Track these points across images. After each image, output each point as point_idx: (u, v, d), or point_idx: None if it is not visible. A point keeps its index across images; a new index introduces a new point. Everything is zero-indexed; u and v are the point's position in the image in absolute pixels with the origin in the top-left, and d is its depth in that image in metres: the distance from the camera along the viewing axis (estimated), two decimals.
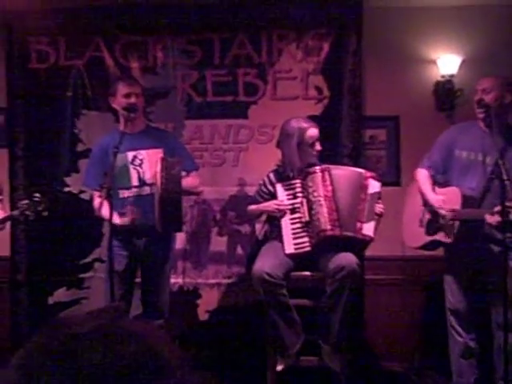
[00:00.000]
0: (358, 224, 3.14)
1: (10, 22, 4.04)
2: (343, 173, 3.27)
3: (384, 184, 3.67)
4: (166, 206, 3.00)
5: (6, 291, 4.06)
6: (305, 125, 3.27)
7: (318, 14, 3.81)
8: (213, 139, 3.95)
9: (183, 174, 3.21)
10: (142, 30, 3.95)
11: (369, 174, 3.27)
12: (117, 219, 3.09)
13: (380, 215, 3.22)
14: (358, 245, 3.21)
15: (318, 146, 3.28)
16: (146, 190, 3.23)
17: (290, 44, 3.86)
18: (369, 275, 3.76)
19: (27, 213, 3.02)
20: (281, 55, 3.87)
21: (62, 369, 0.68)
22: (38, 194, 3.04)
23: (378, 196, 3.23)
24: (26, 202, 3.04)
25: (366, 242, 3.20)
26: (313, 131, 3.27)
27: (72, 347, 0.70)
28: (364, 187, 3.20)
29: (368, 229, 3.15)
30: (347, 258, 3.09)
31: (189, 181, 3.30)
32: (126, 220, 3.12)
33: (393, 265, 3.84)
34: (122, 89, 3.23)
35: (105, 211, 2.97)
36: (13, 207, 3.39)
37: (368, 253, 3.63)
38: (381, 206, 3.22)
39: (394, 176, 3.88)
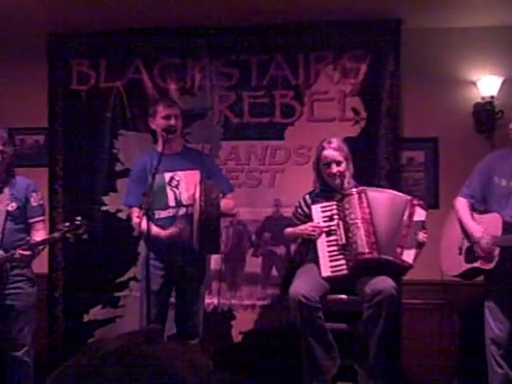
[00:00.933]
0: (399, 249, 3.09)
1: (52, 44, 4.16)
2: (384, 196, 3.22)
3: None
4: (204, 229, 3.00)
5: (43, 308, 4.11)
6: (325, 144, 3.26)
7: (356, 35, 3.81)
8: (249, 160, 3.96)
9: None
10: (180, 53, 4.02)
11: (416, 201, 3.21)
12: (161, 232, 3.11)
13: (422, 244, 3.16)
14: (396, 270, 3.16)
15: (333, 169, 3.23)
16: (182, 210, 3.24)
17: (327, 66, 3.86)
18: (406, 299, 3.69)
19: (68, 235, 3.07)
20: (318, 77, 3.87)
21: None
22: (78, 218, 3.08)
23: (422, 224, 3.17)
24: (67, 224, 3.08)
25: (404, 268, 3.14)
26: (329, 152, 3.24)
27: (97, 368, 0.71)
28: (410, 214, 3.14)
29: (408, 255, 3.09)
30: (384, 282, 3.03)
31: (224, 203, 3.30)
32: (174, 230, 3.13)
33: (430, 289, 3.76)
34: (161, 110, 3.27)
35: (144, 226, 2.98)
36: (52, 226, 3.45)
37: (405, 277, 3.56)
38: (424, 235, 3.16)
39: (432, 199, 3.81)
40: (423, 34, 3.79)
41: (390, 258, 3.09)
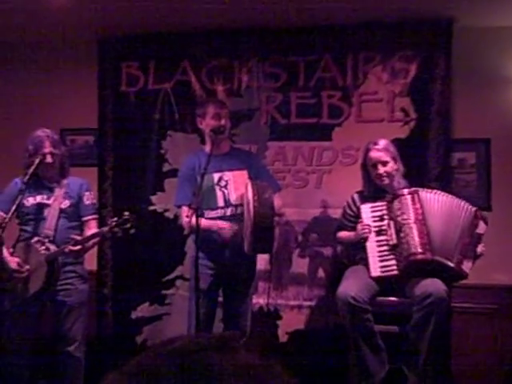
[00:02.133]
0: (460, 257, 3.04)
1: (102, 46, 4.25)
2: (441, 199, 3.17)
3: None
4: (258, 231, 2.99)
5: (92, 304, 4.19)
6: (370, 146, 3.25)
7: (405, 35, 3.76)
8: (296, 161, 3.96)
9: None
10: (227, 54, 4.04)
11: (480, 213, 3.17)
12: (220, 224, 3.16)
13: (479, 256, 3.11)
14: (449, 276, 3.09)
15: (380, 169, 3.21)
16: (231, 210, 3.26)
17: (375, 66, 3.82)
18: (457, 303, 3.61)
19: (115, 230, 3.11)
20: (366, 77, 3.84)
21: None
22: (126, 213, 3.13)
23: (481, 237, 3.13)
24: (115, 219, 3.13)
25: (459, 276, 3.09)
26: (374, 153, 3.23)
27: (155, 368, 0.69)
28: (474, 225, 3.10)
29: (467, 265, 3.05)
30: (435, 285, 2.98)
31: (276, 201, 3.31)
32: (231, 227, 3.15)
33: (482, 293, 3.68)
34: (211, 111, 3.30)
35: (194, 225, 3.00)
36: (101, 224, 3.51)
37: None
38: (483, 248, 3.11)
39: (484, 200, 3.72)
40: (475, 33, 3.71)
41: (448, 263, 3.03)
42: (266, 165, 3.66)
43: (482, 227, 3.13)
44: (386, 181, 3.22)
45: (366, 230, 3.17)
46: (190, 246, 3.89)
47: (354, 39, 3.83)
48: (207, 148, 3.32)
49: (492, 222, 3.43)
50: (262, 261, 3.86)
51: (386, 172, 3.21)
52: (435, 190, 3.23)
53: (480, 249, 3.10)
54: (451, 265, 3.04)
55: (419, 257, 3.04)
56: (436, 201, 3.16)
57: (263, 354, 0.76)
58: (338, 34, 3.84)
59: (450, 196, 3.21)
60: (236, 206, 3.23)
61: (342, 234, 3.40)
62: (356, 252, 3.34)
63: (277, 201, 3.31)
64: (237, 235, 3.14)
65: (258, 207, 2.97)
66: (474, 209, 3.16)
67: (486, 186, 3.77)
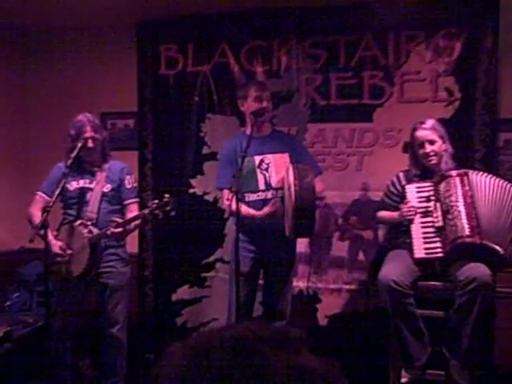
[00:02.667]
0: (510, 245, 2.94)
1: (141, 30, 4.25)
2: (492, 182, 3.05)
3: None
4: (299, 214, 2.96)
5: (133, 286, 4.26)
6: (417, 125, 3.18)
7: (449, 12, 3.63)
8: (336, 143, 3.90)
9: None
10: (266, 35, 3.99)
11: None
12: (255, 212, 3.14)
13: None
14: (495, 262, 2.99)
15: (427, 148, 3.13)
16: (272, 193, 3.23)
17: (418, 45, 3.70)
18: (501, 288, 3.52)
19: (156, 212, 3.14)
20: (409, 57, 3.73)
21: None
22: (167, 195, 3.15)
23: None
24: (156, 201, 3.16)
25: (507, 264, 3.00)
26: (421, 132, 3.15)
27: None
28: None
29: None
30: (479, 269, 2.91)
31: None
32: (269, 209, 3.13)
33: None
34: (253, 93, 3.26)
35: (235, 208, 2.98)
36: (141, 207, 3.54)
37: None
38: None
39: None
40: None
41: (498, 248, 2.94)
42: (307, 147, 3.60)
43: None
44: (434, 160, 3.14)
45: (412, 212, 3.10)
46: (229, 228, 3.90)
47: (395, 17, 3.71)
48: (248, 130, 3.29)
49: None
50: (302, 244, 3.85)
51: (433, 151, 3.13)
52: (485, 173, 3.12)
53: None
54: (501, 251, 2.94)
55: (467, 240, 2.95)
56: (487, 184, 3.05)
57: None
58: (378, 12, 3.73)
59: (501, 180, 3.09)
60: (277, 189, 3.21)
61: (384, 213, 3.32)
62: (398, 235, 3.27)
63: (318, 184, 3.27)
64: (279, 217, 3.11)
65: (299, 191, 2.94)
66: None
67: None
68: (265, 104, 3.24)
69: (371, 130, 3.82)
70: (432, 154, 3.14)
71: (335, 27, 3.84)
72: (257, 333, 0.72)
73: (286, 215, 3.05)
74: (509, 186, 3.06)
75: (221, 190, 3.40)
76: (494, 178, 3.10)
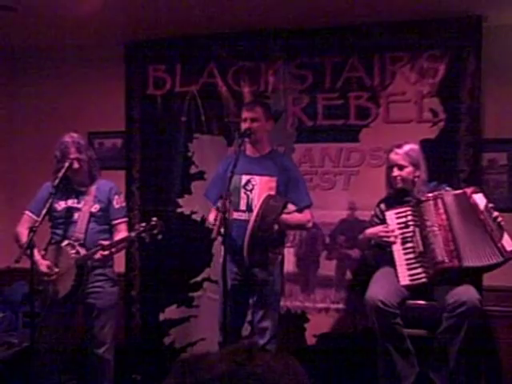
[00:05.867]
0: (500, 245, 2.96)
1: (129, 50, 4.28)
2: (452, 198, 3.10)
3: (505, 210, 3.49)
4: (250, 249, 3.06)
5: (120, 306, 4.23)
6: (393, 148, 3.22)
7: (433, 34, 3.69)
8: (323, 163, 3.93)
9: (293, 209, 3.22)
10: (254, 56, 4.03)
11: (469, 190, 3.10)
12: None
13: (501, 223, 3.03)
14: (499, 266, 3.02)
15: (394, 172, 3.18)
16: (250, 216, 3.19)
17: (403, 66, 3.76)
18: (488, 306, 3.55)
19: (143, 235, 3.14)
20: (394, 78, 3.78)
21: None
22: (154, 218, 3.16)
23: (489, 206, 3.05)
24: (143, 224, 3.16)
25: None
26: (393, 156, 3.21)
27: None
28: (475, 206, 3.02)
29: (508, 243, 2.98)
30: (468, 293, 2.93)
31: (298, 217, 3.28)
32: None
33: None
34: (242, 114, 3.32)
35: (221, 230, 3.00)
36: (129, 226, 3.54)
37: (487, 282, 3.45)
38: (496, 213, 3.04)
39: None
40: (505, 31, 3.64)
41: (500, 260, 2.96)
42: (301, 176, 3.48)
43: (480, 199, 3.04)
44: (400, 184, 3.19)
45: (391, 236, 3.13)
46: (217, 247, 3.90)
47: (380, 39, 3.77)
48: (246, 150, 3.34)
49: None
50: (290, 263, 3.87)
51: (400, 176, 3.17)
52: (457, 191, 3.15)
53: (499, 218, 3.01)
54: (500, 260, 2.96)
55: (446, 265, 2.98)
56: (455, 202, 3.08)
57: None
58: (364, 34, 3.79)
59: (456, 192, 3.13)
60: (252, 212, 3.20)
61: (361, 235, 3.36)
62: (384, 255, 3.29)
63: (304, 216, 3.30)
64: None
65: (256, 228, 3.03)
66: (463, 191, 3.09)
67: None
68: (247, 125, 3.26)
69: (358, 150, 3.86)
70: (399, 178, 3.18)
71: (321, 49, 3.89)
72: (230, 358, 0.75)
73: (245, 246, 3.08)
74: (462, 192, 3.09)
75: (208, 199, 3.42)
76: (455, 192, 3.13)
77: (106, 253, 3.12)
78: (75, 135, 3.29)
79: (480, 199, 3.05)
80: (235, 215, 3.24)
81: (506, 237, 3.00)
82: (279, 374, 0.75)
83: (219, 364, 0.75)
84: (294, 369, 0.77)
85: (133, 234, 3.19)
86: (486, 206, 3.04)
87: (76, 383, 3.82)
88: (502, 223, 3.02)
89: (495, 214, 3.03)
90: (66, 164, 3.19)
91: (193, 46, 4.15)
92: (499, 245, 2.96)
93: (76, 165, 3.22)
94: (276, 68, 3.99)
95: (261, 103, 3.53)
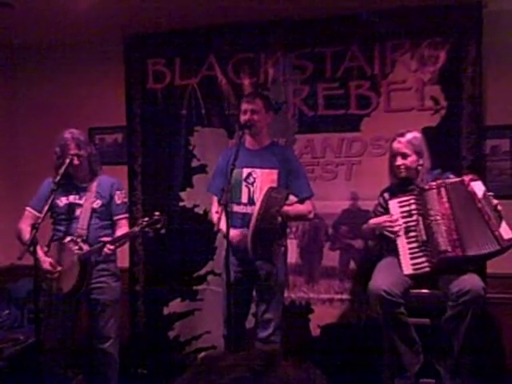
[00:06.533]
0: (497, 233, 2.94)
1: (129, 45, 4.26)
2: (450, 186, 3.07)
3: (509, 197, 3.47)
4: (255, 241, 3.05)
5: (125, 301, 4.24)
6: (396, 136, 3.19)
7: (434, 21, 3.66)
8: (324, 153, 3.91)
9: (294, 200, 3.21)
10: (253, 47, 4.01)
11: (467, 177, 3.08)
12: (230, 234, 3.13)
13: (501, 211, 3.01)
14: (498, 254, 3.00)
15: (398, 161, 3.15)
16: (253, 209, 3.18)
17: (404, 54, 3.73)
18: (492, 294, 3.52)
19: (146, 230, 3.13)
20: (394, 66, 3.75)
21: None
22: (157, 213, 3.15)
23: (488, 194, 3.03)
24: (146, 219, 3.15)
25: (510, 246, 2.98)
26: (396, 144, 3.18)
27: None
28: (473, 194, 3.00)
29: (506, 232, 2.96)
30: (472, 281, 2.91)
31: (300, 208, 3.27)
32: (236, 238, 3.16)
33: None
34: (242, 106, 3.31)
35: (222, 225, 3.01)
36: (131, 221, 3.54)
37: (491, 270, 3.44)
38: (496, 201, 3.01)
39: None
40: (505, 16, 3.60)
41: (496, 249, 2.94)
42: (302, 167, 3.48)
43: (479, 187, 3.02)
44: (404, 173, 3.16)
45: (395, 226, 3.12)
46: (220, 241, 3.90)
47: (380, 27, 3.74)
48: (246, 142, 3.32)
49: None
50: (293, 254, 3.87)
51: (403, 165, 3.15)
52: (461, 179, 3.11)
53: (498, 206, 3.00)
54: (497, 248, 2.94)
55: (449, 254, 2.97)
56: (453, 190, 3.05)
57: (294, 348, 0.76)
58: (364, 23, 3.76)
59: (455, 179, 3.12)
60: (255, 205, 3.17)
61: (365, 225, 3.34)
62: (388, 244, 3.28)
63: (306, 207, 3.29)
64: (244, 244, 3.14)
65: (259, 220, 3.02)
66: (461, 179, 3.07)
67: None
68: (247, 117, 3.25)
69: (359, 140, 3.84)
70: (402, 167, 3.16)
71: (321, 38, 3.86)
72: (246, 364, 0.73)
73: (249, 239, 3.07)
74: (460, 180, 3.08)
75: (213, 194, 3.40)
76: (454, 180, 3.12)
77: (112, 247, 3.12)
78: (75, 131, 3.28)
79: (478, 187, 3.03)
80: (237, 208, 3.24)
81: (504, 225, 2.98)
82: None
83: (234, 369, 0.72)
84: (315, 381, 0.75)
85: (136, 229, 3.17)
86: (485, 194, 3.01)
87: (82, 378, 3.84)
88: (499, 208, 3.00)
89: (494, 202, 3.01)
90: (67, 160, 3.18)
91: (192, 39, 4.13)
92: (496, 233, 2.93)
93: (76, 161, 3.22)
94: (276, 59, 3.97)
95: (260, 95, 3.51)
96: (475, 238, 2.96)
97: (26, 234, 3.15)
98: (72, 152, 3.20)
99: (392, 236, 3.14)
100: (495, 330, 3.66)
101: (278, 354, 0.76)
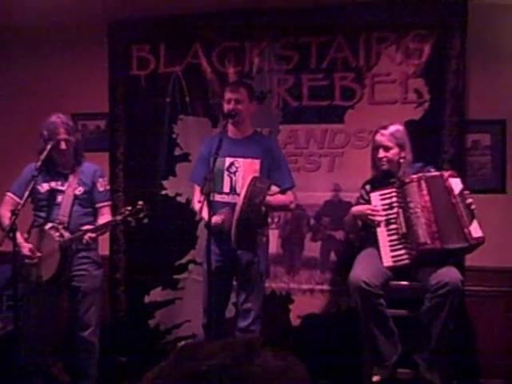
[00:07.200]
0: (466, 230, 2.98)
1: (113, 30, 4.21)
2: (429, 179, 3.10)
3: (488, 191, 3.52)
4: (240, 229, 3.04)
5: (105, 289, 4.22)
6: (379, 129, 3.22)
7: (419, 14, 3.67)
8: (308, 144, 3.91)
9: (276, 190, 3.21)
10: (239, 36, 3.99)
11: (446, 173, 3.12)
12: (212, 219, 3.12)
13: (474, 210, 3.05)
14: (467, 251, 3.08)
15: (380, 154, 3.18)
16: (234, 198, 3.22)
17: (389, 47, 3.74)
18: (470, 286, 3.58)
19: (129, 219, 3.12)
20: (379, 58, 3.76)
21: None
22: (140, 202, 3.13)
23: (464, 192, 3.07)
24: (129, 208, 3.13)
25: (479, 244, 3.03)
26: (378, 137, 3.21)
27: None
28: (450, 190, 3.04)
29: (475, 230, 3.00)
30: (451, 274, 2.95)
31: (282, 198, 3.28)
32: (218, 219, 3.13)
33: (496, 276, 3.65)
34: (226, 95, 3.29)
35: (205, 213, 3.01)
36: (113, 209, 3.52)
37: (469, 263, 3.48)
38: (471, 200, 3.05)
39: (498, 183, 3.66)
40: (491, 10, 3.62)
41: (464, 245, 3.00)
42: (285, 157, 3.52)
43: (457, 184, 3.06)
44: (386, 166, 3.19)
45: (376, 216, 3.15)
46: (201, 230, 3.89)
47: (366, 19, 3.74)
48: (229, 131, 3.30)
49: (507, 205, 3.39)
50: (274, 244, 3.87)
51: (386, 157, 3.18)
52: (440, 173, 3.15)
53: (472, 205, 3.04)
54: (464, 245, 3.00)
55: (428, 247, 3.01)
56: (431, 183, 3.09)
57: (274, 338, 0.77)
58: (350, 14, 3.76)
59: (433, 173, 3.15)
60: (239, 194, 3.18)
61: (353, 209, 3.35)
62: (368, 236, 3.31)
63: (288, 198, 3.31)
64: (228, 227, 3.12)
65: (245, 209, 3.02)
66: (440, 173, 3.12)
67: (501, 168, 3.69)
68: (231, 106, 3.24)
69: (343, 131, 3.85)
70: (384, 159, 3.18)
71: (307, 29, 3.85)
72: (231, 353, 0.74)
73: (233, 228, 3.07)
74: (438, 174, 3.12)
75: (195, 183, 3.39)
76: (432, 174, 3.15)
77: (94, 235, 3.10)
78: (63, 116, 3.25)
79: (456, 184, 3.07)
80: (218, 197, 3.23)
81: (475, 224, 3.01)
82: (277, 375, 0.73)
83: (216, 356, 0.73)
84: (294, 369, 0.76)
85: (118, 218, 3.15)
86: (461, 192, 3.05)
87: (62, 366, 3.82)
88: (473, 207, 3.03)
89: (469, 200, 3.05)
90: (49, 146, 3.14)
91: (177, 26, 4.09)
92: (465, 230, 2.98)
93: (63, 146, 3.18)
94: (261, 48, 3.95)
95: (244, 84, 3.51)
96: (448, 232, 3.00)
97: (6, 220, 3.12)
98: (61, 136, 3.17)
99: (374, 224, 3.17)
100: (473, 322, 3.71)
101: (258, 342, 0.77)
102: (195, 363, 0.73)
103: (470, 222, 3.00)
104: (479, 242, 3.01)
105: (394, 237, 3.12)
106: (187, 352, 0.76)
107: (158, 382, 0.73)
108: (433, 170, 3.23)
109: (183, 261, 4.15)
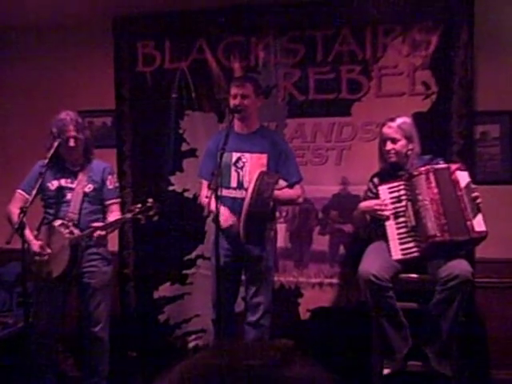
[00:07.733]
0: (469, 223, 2.97)
1: (118, 26, 4.20)
2: (436, 171, 3.09)
3: (498, 182, 3.50)
4: (248, 224, 3.05)
5: (115, 285, 4.22)
6: (386, 121, 3.21)
7: (426, 5, 3.65)
8: (315, 138, 3.90)
9: (284, 184, 3.20)
10: (244, 30, 3.97)
11: (453, 166, 3.10)
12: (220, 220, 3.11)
13: (480, 204, 3.03)
14: (472, 244, 3.07)
15: (387, 146, 3.16)
16: (242, 193, 3.22)
17: (395, 39, 3.71)
18: (480, 278, 3.57)
19: (139, 216, 3.12)
20: (386, 50, 3.74)
21: None
22: (150, 200, 3.13)
23: (471, 186, 3.05)
24: (139, 206, 3.13)
25: (482, 238, 3.02)
26: (386, 129, 3.19)
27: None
28: (456, 182, 3.03)
29: (479, 224, 2.98)
30: (461, 266, 2.95)
31: (289, 192, 3.28)
32: (226, 224, 3.13)
33: (506, 267, 3.63)
34: (232, 90, 3.28)
35: (213, 207, 2.99)
36: (121, 206, 3.52)
37: (479, 255, 3.47)
38: (477, 193, 3.03)
39: (508, 174, 3.64)
40: (497, 1, 3.59)
41: (465, 238, 2.99)
42: (292, 151, 3.51)
43: (463, 178, 3.04)
44: (393, 158, 3.18)
45: (384, 211, 3.13)
46: (210, 224, 3.89)
47: (372, 11, 3.72)
48: (234, 127, 3.30)
49: None
50: (283, 239, 3.87)
51: (393, 149, 3.16)
52: (449, 165, 3.13)
53: (478, 198, 3.02)
54: (465, 238, 2.98)
55: (437, 239, 2.99)
56: (438, 176, 3.07)
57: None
58: (356, 6, 3.74)
59: (440, 166, 3.13)
60: (247, 189, 3.18)
61: (360, 204, 3.34)
62: (377, 229, 3.30)
63: (295, 192, 3.30)
64: (236, 229, 3.13)
65: (252, 204, 3.02)
66: (447, 166, 3.10)
67: (509, 159, 3.66)
68: (237, 101, 3.23)
69: (350, 125, 3.84)
70: (392, 151, 3.17)
71: (313, 22, 3.83)
72: (262, 356, 0.73)
73: (241, 224, 3.08)
74: (445, 166, 3.10)
75: (203, 179, 3.39)
76: (439, 166, 3.13)
77: (103, 233, 3.11)
78: (72, 113, 3.25)
79: (462, 177, 3.06)
80: (226, 192, 3.23)
81: (479, 218, 2.99)
82: (307, 382, 0.72)
83: (255, 355, 0.72)
84: (323, 378, 0.75)
85: (128, 216, 3.16)
86: (467, 185, 3.04)
87: (72, 362, 3.84)
88: (479, 201, 3.01)
89: (475, 194, 3.03)
90: (56, 143, 3.15)
91: (182, 22, 4.08)
92: (468, 223, 2.96)
93: (72, 143, 3.19)
94: (267, 42, 3.94)
95: (250, 79, 3.50)
96: (454, 225, 2.99)
97: (16, 217, 3.13)
98: (71, 134, 3.17)
99: (382, 219, 3.16)
100: (483, 314, 3.70)
101: (291, 348, 0.76)
102: (233, 359, 0.72)
103: (474, 216, 2.98)
104: (481, 236, 2.99)
105: (403, 230, 3.11)
106: (221, 349, 0.76)
107: (188, 375, 0.72)
108: (442, 162, 3.21)
109: (192, 256, 4.15)
